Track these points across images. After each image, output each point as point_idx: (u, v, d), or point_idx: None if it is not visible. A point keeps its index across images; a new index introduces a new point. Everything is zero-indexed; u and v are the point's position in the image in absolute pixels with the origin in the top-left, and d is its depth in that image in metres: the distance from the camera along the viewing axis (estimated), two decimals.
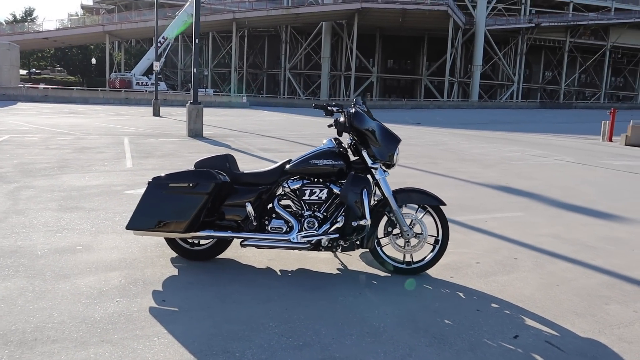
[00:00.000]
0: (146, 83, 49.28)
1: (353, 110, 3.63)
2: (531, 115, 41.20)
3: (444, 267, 3.96)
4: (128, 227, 3.70)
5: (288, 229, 3.68)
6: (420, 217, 3.77)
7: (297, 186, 3.69)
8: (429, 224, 3.78)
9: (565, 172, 9.81)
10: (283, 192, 3.78)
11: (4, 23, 62.39)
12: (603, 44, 64.91)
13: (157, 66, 25.14)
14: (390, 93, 67.95)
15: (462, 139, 17.14)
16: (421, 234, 3.72)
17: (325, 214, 3.70)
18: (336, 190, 3.67)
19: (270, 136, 15.28)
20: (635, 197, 7.39)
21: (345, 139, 3.89)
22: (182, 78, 68.60)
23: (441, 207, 3.74)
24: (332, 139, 3.80)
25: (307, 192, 3.66)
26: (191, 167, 3.91)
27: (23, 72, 58.18)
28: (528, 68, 67.46)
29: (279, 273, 3.74)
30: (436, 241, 3.77)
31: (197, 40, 13.29)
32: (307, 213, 3.69)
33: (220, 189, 3.66)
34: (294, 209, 3.77)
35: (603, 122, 18.79)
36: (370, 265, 3.94)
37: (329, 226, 3.62)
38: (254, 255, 4.09)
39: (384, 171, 3.69)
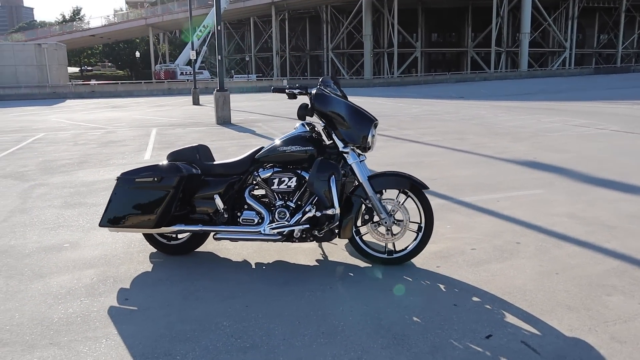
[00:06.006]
0: (190, 72, 50.13)
1: (314, 91, 3.37)
2: (584, 82, 38.78)
3: (434, 255, 3.68)
4: (101, 225, 3.64)
5: (260, 220, 3.51)
6: (402, 202, 3.49)
7: (267, 175, 3.50)
8: (413, 209, 3.50)
9: (606, 142, 9.07)
10: (254, 182, 3.61)
11: (55, 24, 65.07)
12: None
13: (193, 55, 25.47)
14: (436, 67, 65.90)
15: (501, 111, 16.31)
16: (402, 220, 3.45)
17: (299, 202, 3.50)
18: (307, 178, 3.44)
19: None
20: None
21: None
22: (226, 65, 69.42)
23: (423, 190, 3.45)
24: (304, 124, 3.57)
25: (276, 180, 3.46)
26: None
27: (75, 69, 60.57)
28: (581, 32, 63.33)
29: (253, 266, 3.59)
30: (419, 228, 3.48)
31: (219, 27, 13.21)
32: (279, 203, 3.50)
33: (188, 181, 3.53)
34: (267, 199, 3.59)
35: None
36: (353, 256, 3.71)
37: (300, 216, 3.41)
38: (235, 247, 3.95)
39: (359, 155, 3.42)
